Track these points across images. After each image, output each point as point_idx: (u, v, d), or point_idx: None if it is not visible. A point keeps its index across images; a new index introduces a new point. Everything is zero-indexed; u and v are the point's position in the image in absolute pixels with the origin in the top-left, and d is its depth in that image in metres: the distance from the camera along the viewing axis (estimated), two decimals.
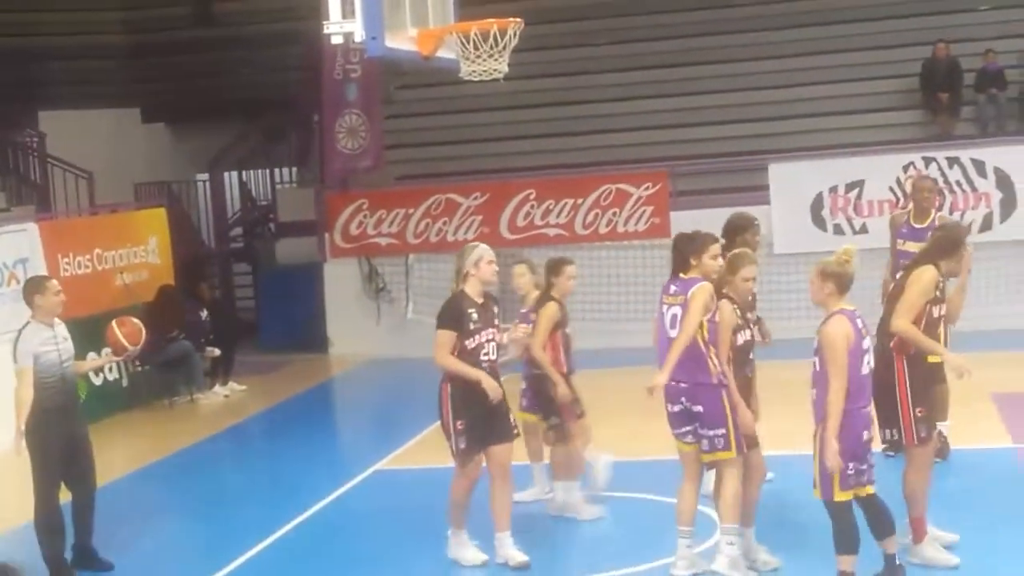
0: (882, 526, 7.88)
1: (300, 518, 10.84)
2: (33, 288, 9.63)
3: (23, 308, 14.61)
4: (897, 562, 7.98)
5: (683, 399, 8.37)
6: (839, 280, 7.73)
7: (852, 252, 7.83)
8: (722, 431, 8.28)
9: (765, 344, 9.61)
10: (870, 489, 7.82)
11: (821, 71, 21.00)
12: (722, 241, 10.28)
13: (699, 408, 8.31)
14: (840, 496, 7.68)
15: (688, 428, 8.46)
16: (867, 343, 7.78)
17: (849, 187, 17.81)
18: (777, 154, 18.94)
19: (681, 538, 8.50)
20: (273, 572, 9.63)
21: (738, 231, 10.33)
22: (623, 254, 18.59)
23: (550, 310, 10.19)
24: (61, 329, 9.54)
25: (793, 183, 17.98)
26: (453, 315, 8.81)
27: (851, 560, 7.75)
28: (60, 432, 9.40)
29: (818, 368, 7.70)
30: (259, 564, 9.75)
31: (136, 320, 10.16)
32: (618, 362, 17.25)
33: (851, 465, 7.62)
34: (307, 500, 11.30)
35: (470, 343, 8.77)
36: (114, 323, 9.98)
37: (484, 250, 9.22)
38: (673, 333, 8.33)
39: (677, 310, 8.39)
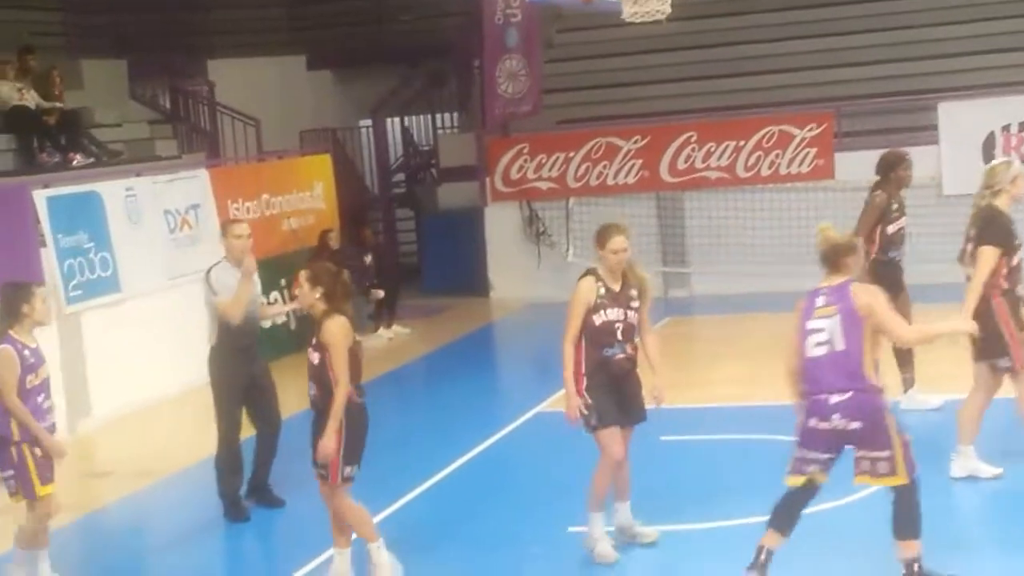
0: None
1: (463, 459, 11.02)
2: (221, 229, 9.87)
3: (197, 252, 15.15)
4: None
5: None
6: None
7: (822, 228, 7.59)
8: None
9: None
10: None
11: (992, 6, 20.28)
12: (876, 177, 10.49)
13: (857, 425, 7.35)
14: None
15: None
16: (813, 324, 7.43)
17: None
18: (947, 92, 18.44)
19: None
20: (436, 513, 9.80)
21: (891, 167, 10.86)
22: (785, 196, 18.35)
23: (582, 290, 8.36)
24: (249, 271, 9.65)
25: (964, 122, 17.51)
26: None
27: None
28: (243, 372, 9.68)
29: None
30: (421, 505, 9.94)
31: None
32: (780, 306, 17.10)
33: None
34: (469, 441, 11.48)
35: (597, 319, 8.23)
36: (303, 272, 10.10)
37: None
38: (819, 352, 7.41)
39: (826, 323, 7.42)
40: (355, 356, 7.92)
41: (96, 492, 11.43)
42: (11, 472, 8.22)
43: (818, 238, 7.55)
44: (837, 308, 7.40)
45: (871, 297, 7.43)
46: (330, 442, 7.83)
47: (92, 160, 16.08)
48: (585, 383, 8.18)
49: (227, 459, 9.76)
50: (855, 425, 7.31)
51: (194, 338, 14.93)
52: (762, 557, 7.52)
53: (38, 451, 8.24)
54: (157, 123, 19.47)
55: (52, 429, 8.40)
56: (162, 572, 9.28)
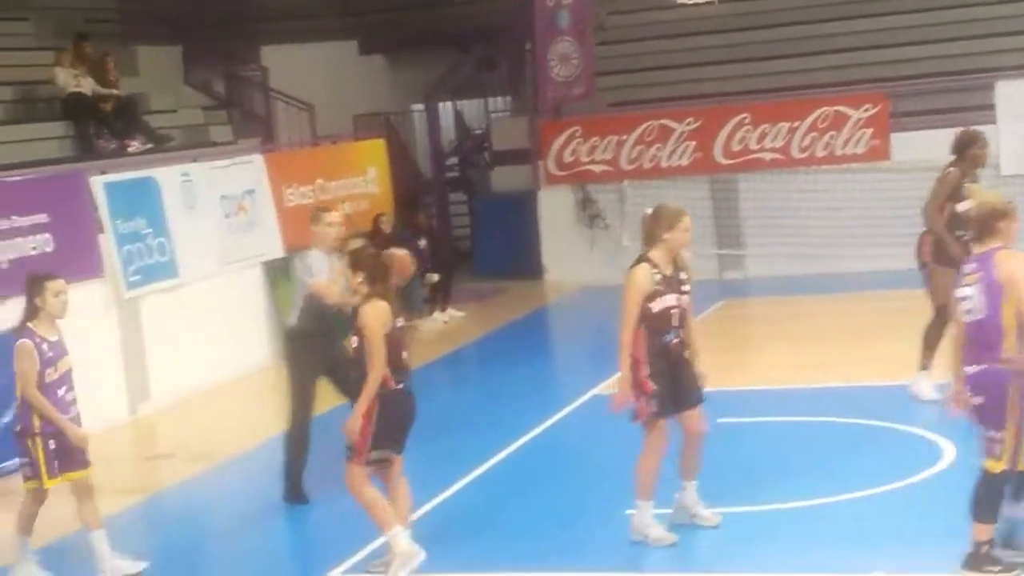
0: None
1: (519, 442, 11.04)
2: (312, 218, 9.97)
3: (253, 237, 15.28)
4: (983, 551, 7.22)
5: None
6: None
7: (972, 189, 7.39)
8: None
9: None
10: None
11: None
12: (952, 157, 10.45)
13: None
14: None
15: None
16: (960, 292, 7.22)
17: None
18: (1004, 71, 18.23)
19: None
20: (491, 495, 9.83)
21: (966, 146, 10.84)
22: (840, 177, 18.24)
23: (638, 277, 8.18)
24: (335, 260, 9.69)
25: (1022, 101, 17.30)
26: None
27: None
28: (323, 356, 9.74)
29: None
30: (476, 488, 9.97)
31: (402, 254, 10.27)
32: (833, 287, 17.03)
33: None
34: (525, 424, 11.50)
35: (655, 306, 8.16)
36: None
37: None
38: (967, 320, 7.19)
39: (971, 291, 7.18)
40: (394, 341, 7.89)
41: (156, 475, 11.56)
42: (26, 460, 8.37)
43: (971, 200, 7.27)
44: (979, 276, 7.17)
45: (1016, 265, 7.08)
46: (356, 421, 7.85)
47: (149, 146, 16.22)
48: (647, 371, 8.10)
49: (296, 439, 9.82)
50: (978, 400, 7.13)
51: (250, 322, 15.20)
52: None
53: (52, 443, 8.31)
54: (211, 109, 19.60)
55: (76, 421, 8.45)
56: (222, 555, 9.38)
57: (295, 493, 9.89)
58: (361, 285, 7.96)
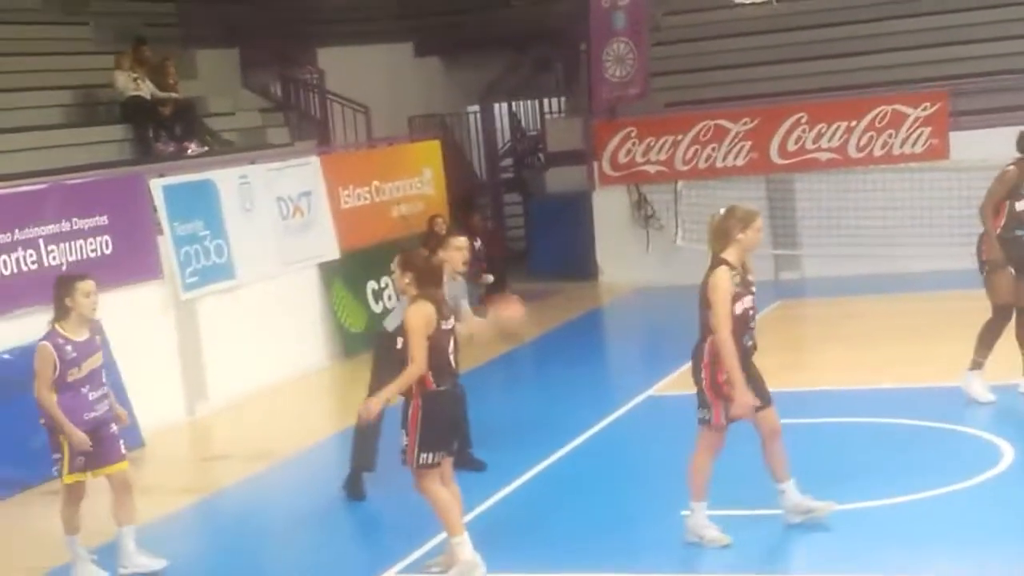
0: None
1: (574, 442, 11.03)
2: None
3: (309, 238, 15.38)
4: None
5: None
6: None
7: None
8: None
9: None
10: None
11: None
12: (1018, 155, 10.29)
13: None
14: None
15: None
16: None
17: None
18: None
19: None
20: (547, 495, 9.83)
21: None
22: (898, 177, 18.09)
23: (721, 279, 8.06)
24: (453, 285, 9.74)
25: None
26: None
27: None
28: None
29: None
30: (532, 487, 9.97)
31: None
32: (890, 288, 16.90)
33: None
34: (580, 424, 11.49)
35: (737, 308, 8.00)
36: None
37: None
38: None
39: None
40: (436, 343, 7.85)
41: (214, 475, 11.66)
42: (58, 456, 8.50)
43: None
44: None
45: None
46: (376, 403, 7.92)
47: (206, 149, 16.36)
48: (724, 375, 7.95)
49: (365, 429, 9.80)
50: None
51: (306, 324, 15.29)
52: None
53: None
54: (268, 111, 19.74)
55: (107, 418, 8.58)
56: (278, 554, 9.43)
57: (354, 489, 9.96)
58: (409, 286, 7.99)
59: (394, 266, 8.30)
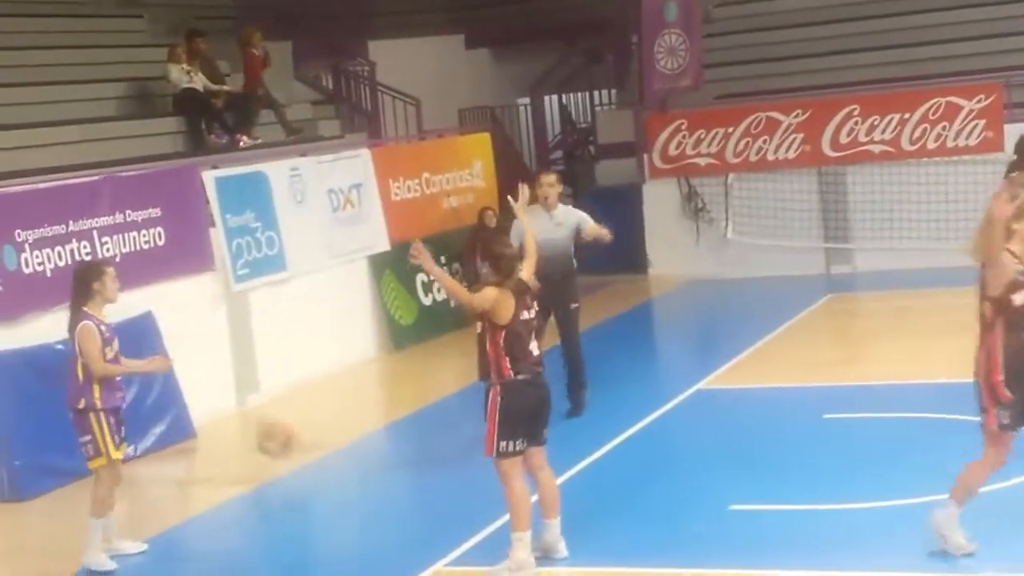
0: None
1: (624, 435, 11.03)
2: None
3: (359, 230, 15.42)
4: None
5: None
6: None
7: None
8: None
9: None
10: None
11: None
12: (1014, 158, 10.07)
13: None
14: None
15: None
16: None
17: None
18: None
19: None
20: (596, 488, 9.82)
21: None
22: (952, 170, 17.93)
23: None
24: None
25: None
26: None
27: None
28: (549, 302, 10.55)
29: None
30: (582, 480, 9.96)
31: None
32: (943, 281, 16.74)
33: None
34: (630, 417, 11.48)
35: (1017, 299, 7.28)
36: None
37: None
38: None
39: None
40: (515, 332, 7.92)
41: (266, 466, 11.71)
42: (88, 438, 8.70)
43: None
44: None
45: None
46: (426, 259, 8.01)
47: (258, 140, 16.44)
48: (1003, 375, 7.29)
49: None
50: None
51: (357, 315, 15.35)
52: None
53: (111, 419, 8.71)
54: (320, 103, 19.81)
55: (122, 400, 8.89)
56: (328, 544, 9.49)
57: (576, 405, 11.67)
58: (488, 274, 8.04)
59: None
